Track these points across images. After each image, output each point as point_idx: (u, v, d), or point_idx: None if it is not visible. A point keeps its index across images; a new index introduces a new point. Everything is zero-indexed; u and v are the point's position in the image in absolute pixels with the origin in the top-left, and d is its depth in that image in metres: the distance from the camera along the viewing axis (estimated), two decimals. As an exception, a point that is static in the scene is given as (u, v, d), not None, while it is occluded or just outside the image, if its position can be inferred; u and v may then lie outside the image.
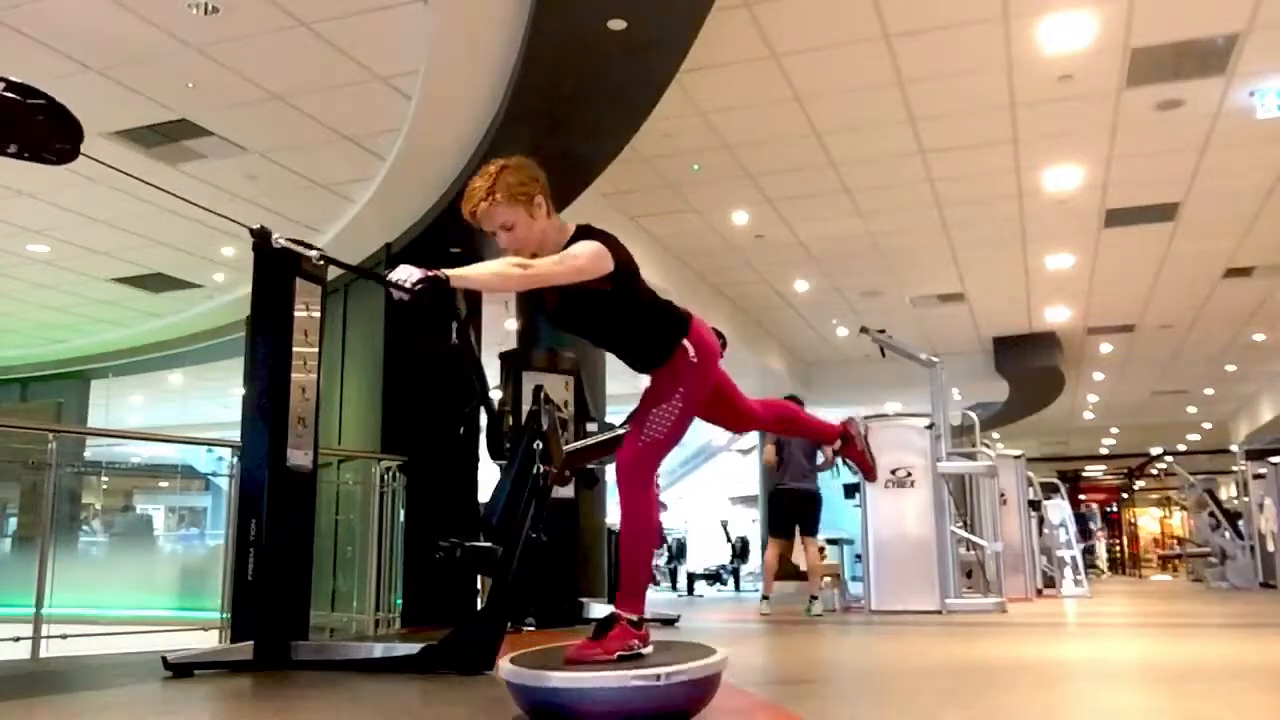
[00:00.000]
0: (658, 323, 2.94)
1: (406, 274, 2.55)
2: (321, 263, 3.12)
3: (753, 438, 16.16)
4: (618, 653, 2.65)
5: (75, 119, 2.98)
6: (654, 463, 2.91)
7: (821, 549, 12.19)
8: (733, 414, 3.25)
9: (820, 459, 7.96)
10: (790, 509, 8.08)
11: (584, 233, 2.85)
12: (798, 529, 8.07)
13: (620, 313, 2.89)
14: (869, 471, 3.78)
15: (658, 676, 2.44)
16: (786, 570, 9.67)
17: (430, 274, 2.55)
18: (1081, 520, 19.30)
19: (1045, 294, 12.39)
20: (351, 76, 6.13)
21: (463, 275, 2.61)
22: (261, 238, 2.92)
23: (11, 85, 2.89)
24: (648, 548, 2.90)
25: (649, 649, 2.73)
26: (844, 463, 3.76)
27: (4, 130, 2.92)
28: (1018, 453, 11.82)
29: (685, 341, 2.90)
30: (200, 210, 8.24)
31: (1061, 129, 7.70)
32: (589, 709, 2.46)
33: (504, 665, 2.65)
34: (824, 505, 8.21)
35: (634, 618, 2.73)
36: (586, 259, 2.73)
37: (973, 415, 11.24)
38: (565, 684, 2.48)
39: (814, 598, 7.97)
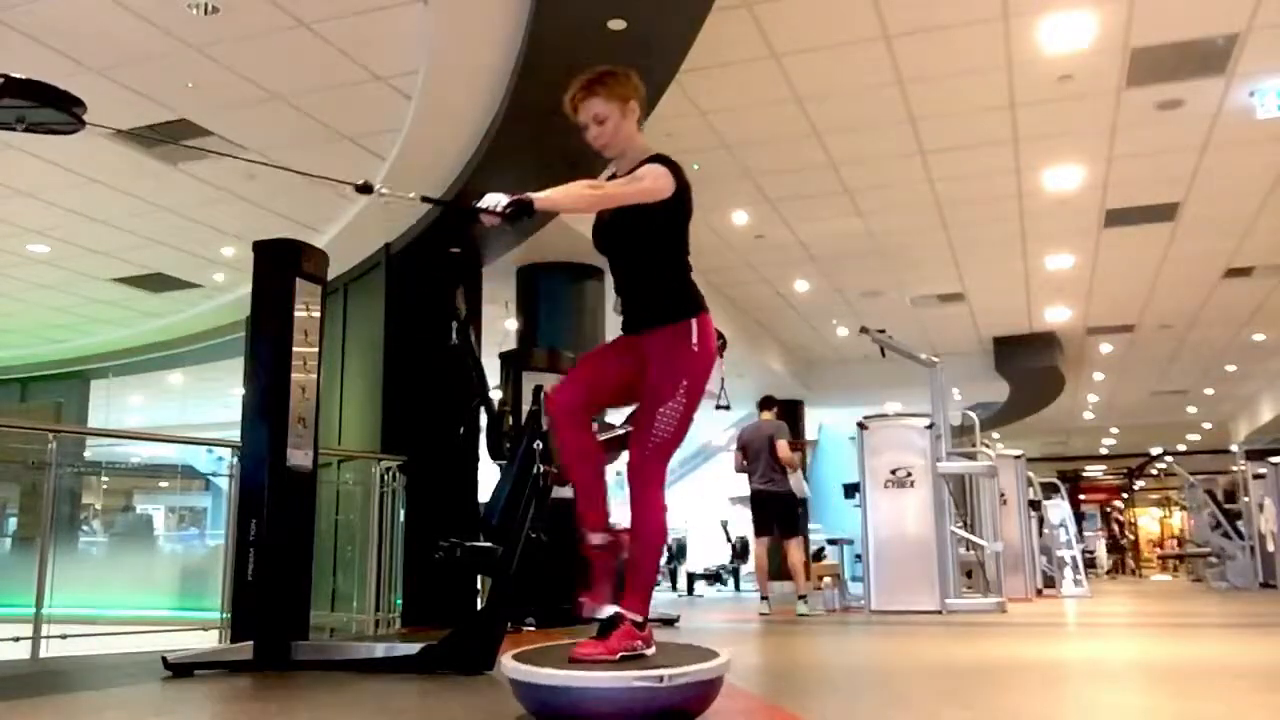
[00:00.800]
0: (683, 279, 2.95)
1: (495, 200, 2.68)
2: (422, 202, 3.20)
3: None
4: (620, 653, 2.65)
5: (71, 95, 3.01)
6: (662, 464, 2.90)
7: (821, 550, 12.20)
8: (608, 393, 3.08)
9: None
10: (762, 509, 8.08)
11: (657, 158, 2.96)
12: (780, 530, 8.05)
13: (658, 241, 2.93)
14: (589, 598, 2.87)
15: (660, 678, 2.44)
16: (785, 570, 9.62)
17: (516, 196, 2.67)
18: (1080, 519, 19.40)
19: (1045, 294, 12.39)
20: (351, 76, 6.13)
21: (545, 198, 2.71)
22: (365, 189, 3.01)
23: (10, 80, 2.90)
24: (656, 549, 2.90)
25: (652, 650, 2.73)
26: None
27: (8, 113, 2.94)
28: (1018, 453, 11.83)
29: (694, 320, 2.88)
30: (200, 210, 8.30)
31: (1061, 129, 7.70)
32: (590, 708, 2.46)
33: (506, 662, 2.65)
34: (825, 505, 8.19)
35: (638, 619, 2.73)
36: (652, 179, 2.87)
37: (973, 415, 11.25)
38: (567, 682, 2.48)
39: (801, 598, 7.95)
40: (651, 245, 2.95)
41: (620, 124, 2.99)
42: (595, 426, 3.10)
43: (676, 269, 2.96)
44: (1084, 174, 8.57)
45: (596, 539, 2.92)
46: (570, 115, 3.01)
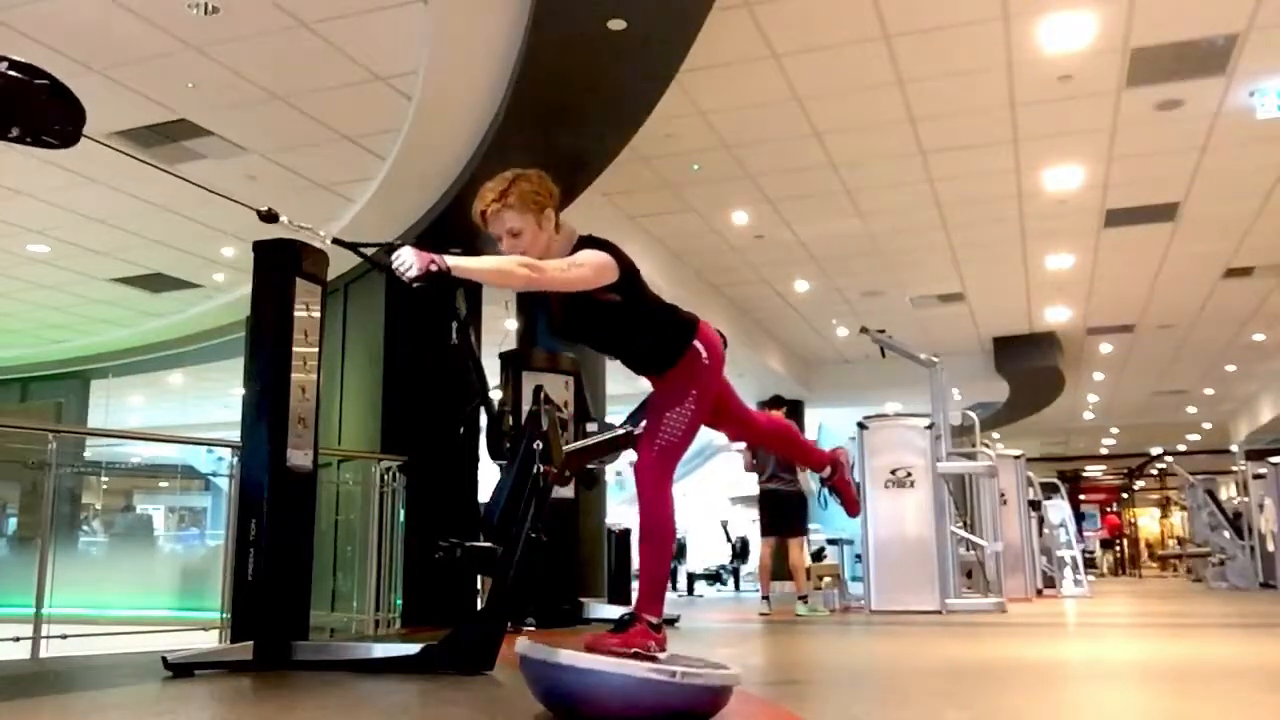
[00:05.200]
0: (666, 326, 2.96)
1: (406, 264, 2.56)
2: (330, 242, 3.16)
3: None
4: (634, 649, 2.69)
5: (77, 99, 2.98)
6: (670, 466, 2.94)
7: (821, 550, 12.18)
8: (733, 420, 3.24)
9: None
10: (769, 509, 8.07)
11: (586, 242, 2.85)
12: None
13: (629, 321, 2.91)
14: (851, 504, 3.62)
15: (673, 674, 2.46)
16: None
17: (430, 268, 2.55)
18: (1080, 519, 19.41)
19: (1045, 294, 12.39)
20: (351, 76, 6.13)
21: (466, 267, 2.61)
22: (269, 218, 2.95)
23: (16, 64, 2.88)
24: (667, 551, 2.93)
25: (664, 655, 2.76)
26: (830, 492, 3.57)
27: (7, 111, 2.91)
28: (1018, 453, 11.83)
29: (696, 343, 2.93)
30: (200, 210, 8.29)
31: (1061, 129, 7.69)
32: (600, 694, 2.47)
33: (520, 641, 2.67)
34: (826, 505, 8.14)
35: (654, 620, 2.77)
36: (591, 269, 2.74)
37: (973, 415, 11.24)
38: (580, 663, 2.50)
39: (801, 598, 7.94)
40: (622, 327, 2.92)
41: (537, 235, 2.82)
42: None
43: (653, 325, 2.94)
44: (1084, 174, 8.57)
45: (825, 475, 3.54)
46: (480, 227, 2.86)
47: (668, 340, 2.93)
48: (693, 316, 2.99)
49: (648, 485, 2.88)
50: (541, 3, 5.20)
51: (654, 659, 2.68)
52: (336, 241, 3.12)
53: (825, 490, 3.62)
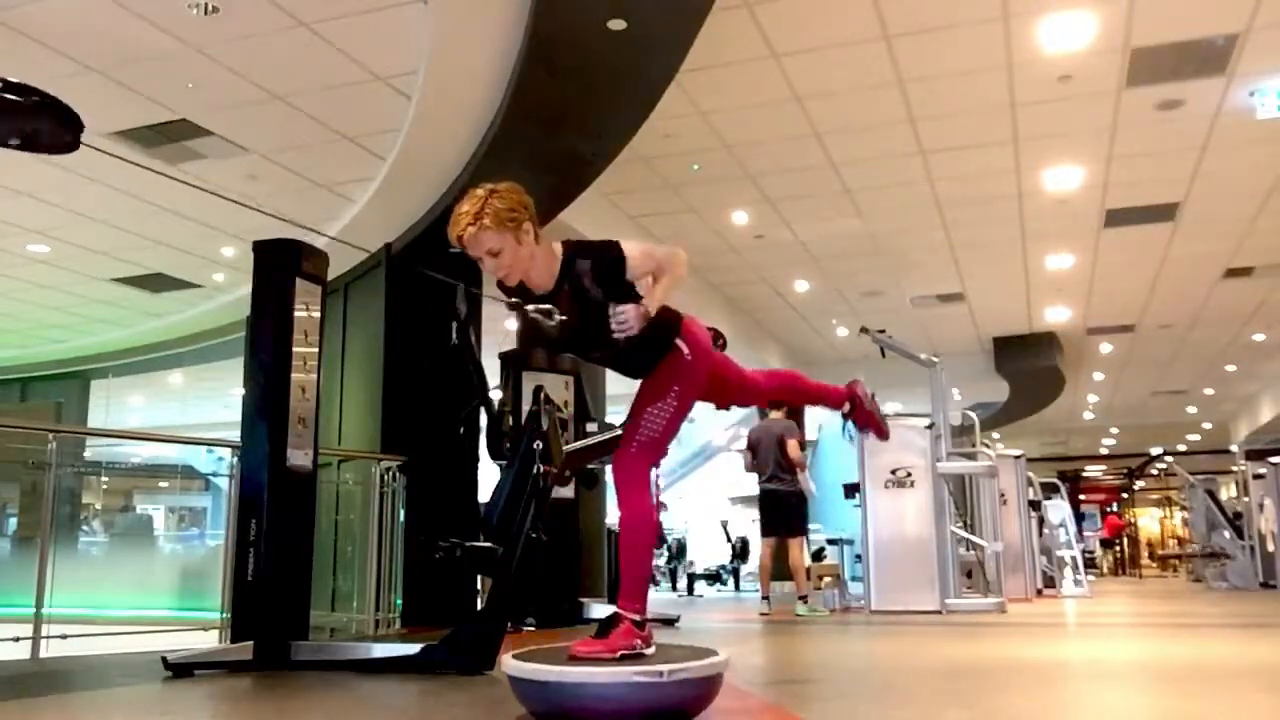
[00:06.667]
0: (653, 327, 2.95)
1: (628, 324, 2.73)
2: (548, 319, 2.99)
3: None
4: (620, 651, 2.66)
5: (74, 113, 2.99)
6: (651, 461, 2.92)
7: (821, 550, 12.18)
8: (732, 391, 3.27)
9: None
10: (769, 509, 8.07)
11: (578, 248, 2.84)
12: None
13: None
14: (880, 431, 3.57)
15: (660, 674, 2.45)
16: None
17: (645, 320, 2.74)
18: (1080, 519, 19.41)
19: (1045, 294, 12.39)
20: (351, 76, 6.13)
21: (659, 298, 2.79)
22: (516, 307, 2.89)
23: (9, 85, 2.89)
24: (648, 546, 2.91)
25: (651, 650, 2.74)
26: (855, 427, 3.53)
27: (5, 124, 2.92)
28: (1018, 453, 11.82)
29: (679, 342, 2.93)
30: (200, 210, 8.29)
31: (1061, 129, 7.70)
32: (591, 705, 2.46)
33: (506, 660, 2.66)
34: (825, 505, 8.14)
35: (637, 618, 2.74)
36: (660, 251, 2.88)
37: (973, 415, 11.24)
38: (567, 679, 2.49)
39: (802, 598, 7.94)
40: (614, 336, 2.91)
41: (517, 251, 2.77)
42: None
43: (646, 332, 2.90)
44: (1084, 174, 8.57)
45: (845, 410, 3.52)
46: (458, 247, 2.81)
47: (653, 346, 2.93)
48: (676, 314, 2.98)
49: (623, 481, 2.87)
50: (541, 3, 5.20)
51: (641, 656, 2.67)
52: (524, 310, 2.98)
53: (849, 425, 3.57)
